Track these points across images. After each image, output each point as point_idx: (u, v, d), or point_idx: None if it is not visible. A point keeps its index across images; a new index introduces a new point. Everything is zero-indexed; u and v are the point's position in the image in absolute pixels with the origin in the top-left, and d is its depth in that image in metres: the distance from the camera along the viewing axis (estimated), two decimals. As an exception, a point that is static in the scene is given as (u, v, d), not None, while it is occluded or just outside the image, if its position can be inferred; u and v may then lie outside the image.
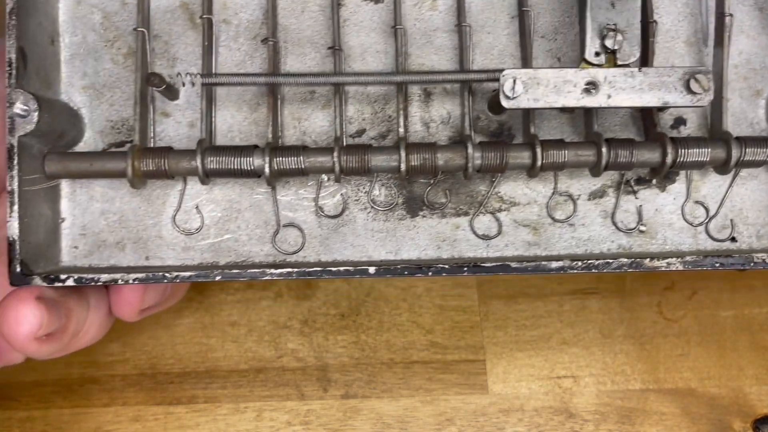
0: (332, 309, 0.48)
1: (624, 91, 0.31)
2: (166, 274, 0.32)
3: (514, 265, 0.32)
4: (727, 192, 0.36)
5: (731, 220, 0.36)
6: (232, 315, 0.48)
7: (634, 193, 0.36)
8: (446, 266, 0.32)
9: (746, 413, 0.46)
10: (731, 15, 0.35)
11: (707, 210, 0.36)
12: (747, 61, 0.36)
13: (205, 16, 0.34)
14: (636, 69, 0.32)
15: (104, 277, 0.32)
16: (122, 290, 0.35)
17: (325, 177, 0.35)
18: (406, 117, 0.35)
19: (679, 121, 0.36)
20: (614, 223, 0.36)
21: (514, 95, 0.31)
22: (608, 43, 0.32)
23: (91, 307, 0.34)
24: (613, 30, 0.32)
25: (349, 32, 0.36)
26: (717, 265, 0.33)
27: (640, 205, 0.36)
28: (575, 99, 0.32)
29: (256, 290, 0.48)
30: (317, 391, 0.46)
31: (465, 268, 0.32)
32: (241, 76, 0.32)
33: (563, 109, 0.36)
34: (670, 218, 0.36)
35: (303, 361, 0.47)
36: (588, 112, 0.35)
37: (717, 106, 0.35)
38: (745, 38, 0.36)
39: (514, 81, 0.31)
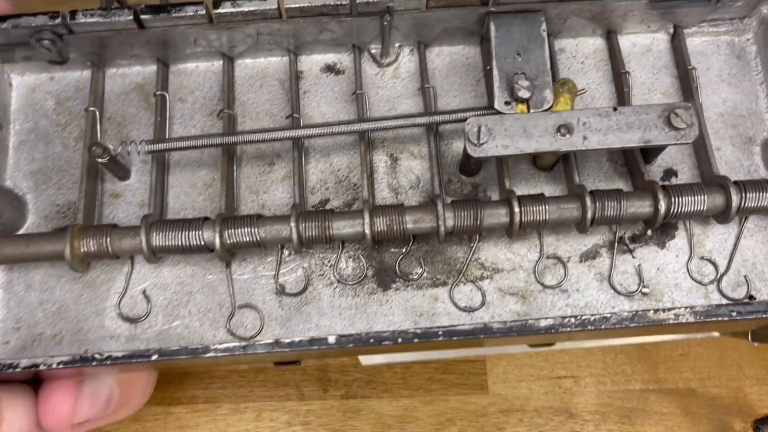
0: None
1: (600, 131, 0.29)
2: (96, 355, 0.28)
3: (496, 326, 0.28)
4: (736, 244, 0.32)
5: (745, 277, 0.31)
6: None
7: (631, 251, 0.32)
8: (417, 331, 0.28)
9: (746, 413, 0.46)
10: (695, 68, 0.33)
11: (716, 266, 0.32)
12: (733, 108, 0.34)
13: (158, 93, 0.33)
14: (610, 108, 0.29)
15: (24, 362, 0.27)
16: (51, 398, 0.30)
17: (286, 251, 0.32)
18: (372, 181, 0.32)
19: (670, 173, 0.33)
20: (612, 287, 0.31)
21: (481, 142, 0.29)
22: (520, 93, 0.30)
23: (5, 419, 0.30)
24: (523, 77, 0.30)
25: (309, 102, 0.34)
26: (734, 314, 0.28)
27: (639, 265, 0.32)
28: (548, 143, 0.29)
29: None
30: (317, 391, 0.46)
31: (440, 333, 0.28)
32: (187, 139, 0.30)
33: (540, 167, 0.33)
34: (675, 277, 0.32)
35: (303, 361, 0.46)
36: (568, 165, 0.32)
37: (703, 152, 0.32)
38: (727, 86, 0.34)
39: (479, 127, 0.29)
